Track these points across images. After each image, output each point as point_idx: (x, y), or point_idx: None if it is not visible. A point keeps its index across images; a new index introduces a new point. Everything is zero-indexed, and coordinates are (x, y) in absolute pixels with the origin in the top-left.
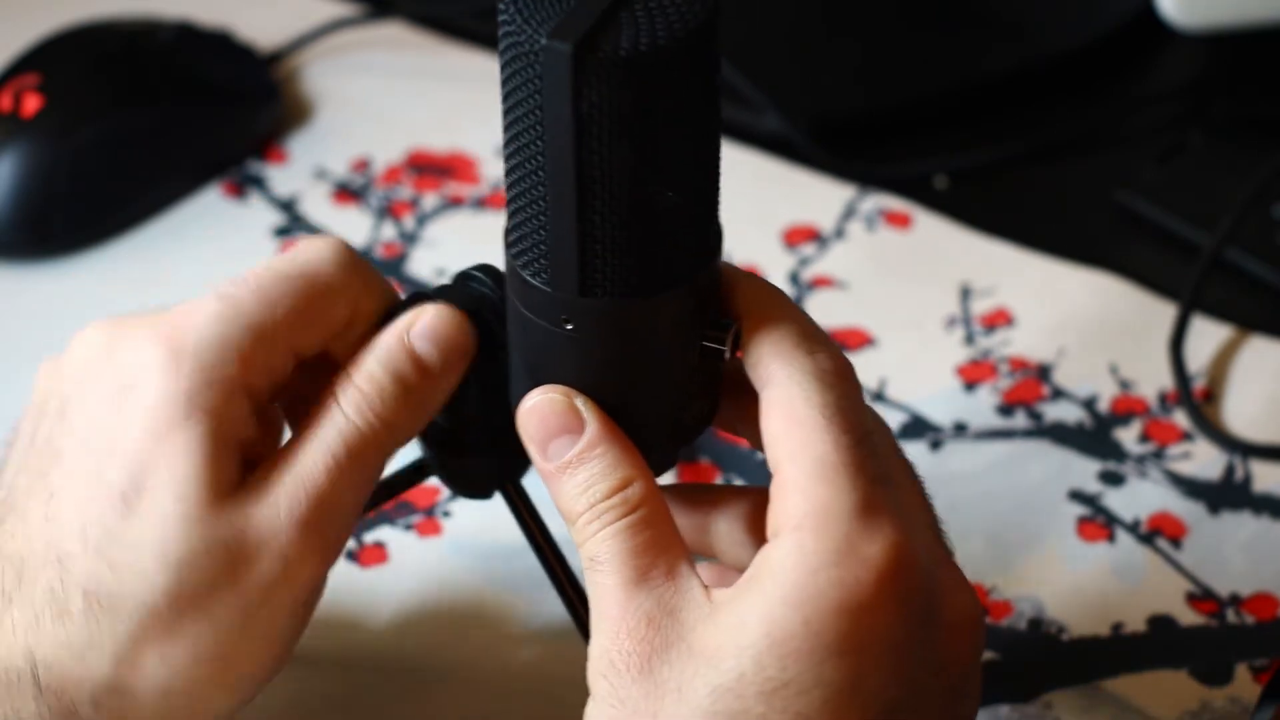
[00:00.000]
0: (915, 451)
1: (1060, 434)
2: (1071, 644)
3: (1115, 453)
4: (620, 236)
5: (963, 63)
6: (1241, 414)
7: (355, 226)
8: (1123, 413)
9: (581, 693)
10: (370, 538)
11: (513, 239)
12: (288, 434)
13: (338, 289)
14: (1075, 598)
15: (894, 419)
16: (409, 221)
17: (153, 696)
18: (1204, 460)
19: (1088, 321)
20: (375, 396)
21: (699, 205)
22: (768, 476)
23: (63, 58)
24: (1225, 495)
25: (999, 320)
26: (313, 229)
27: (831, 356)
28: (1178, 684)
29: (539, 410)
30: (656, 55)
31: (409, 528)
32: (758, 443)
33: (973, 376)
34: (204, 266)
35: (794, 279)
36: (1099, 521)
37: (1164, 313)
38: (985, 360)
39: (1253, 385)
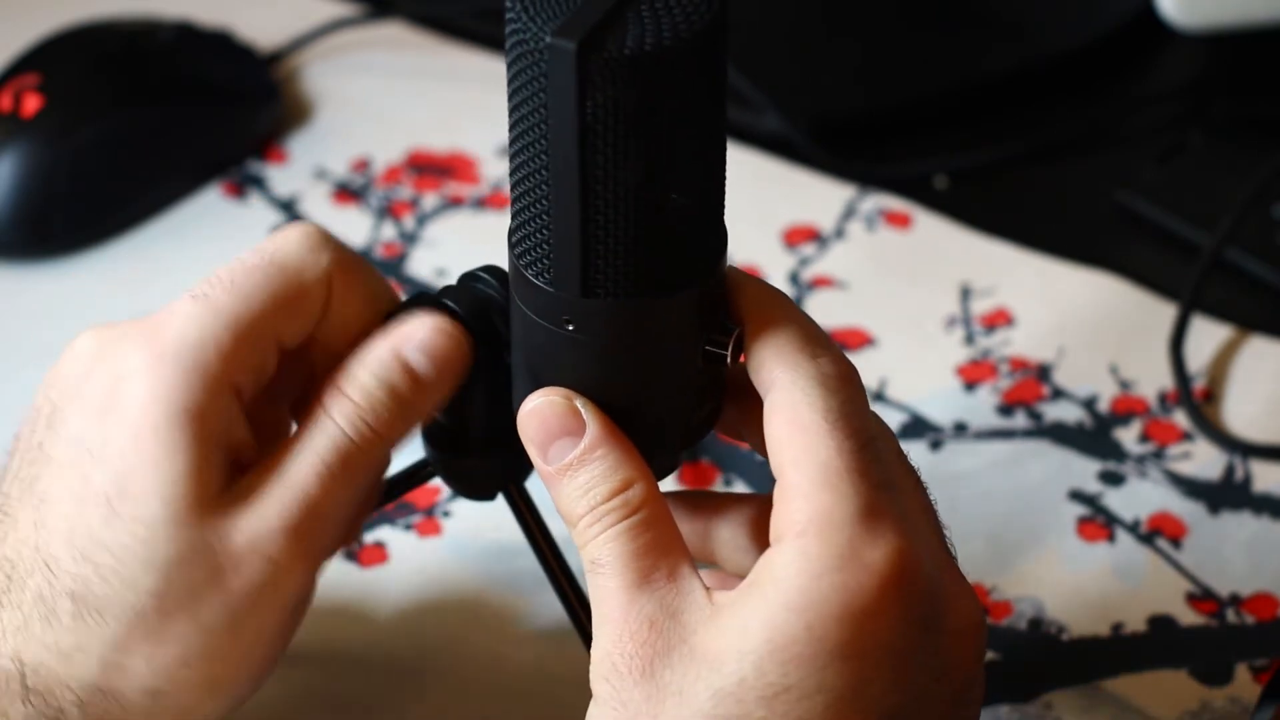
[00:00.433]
0: (915, 451)
1: (1060, 434)
2: (1071, 644)
3: (1115, 453)
4: (623, 238)
5: (963, 63)
6: (1241, 414)
7: (355, 226)
8: (1123, 413)
9: (582, 693)
10: (370, 538)
11: (516, 238)
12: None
13: (310, 274)
14: (1075, 598)
15: (894, 419)
16: (409, 221)
17: (140, 700)
18: (1204, 460)
19: (1088, 321)
20: (367, 407)
21: (703, 208)
22: (769, 478)
23: (63, 58)
24: (1225, 495)
25: (999, 320)
26: None
27: (835, 361)
28: (1178, 684)
29: (540, 412)
30: (661, 55)
31: (409, 528)
32: (762, 448)
33: (973, 376)
34: (204, 266)
35: (794, 279)
36: (1099, 521)
37: (1164, 313)
38: (985, 360)
39: (1253, 385)
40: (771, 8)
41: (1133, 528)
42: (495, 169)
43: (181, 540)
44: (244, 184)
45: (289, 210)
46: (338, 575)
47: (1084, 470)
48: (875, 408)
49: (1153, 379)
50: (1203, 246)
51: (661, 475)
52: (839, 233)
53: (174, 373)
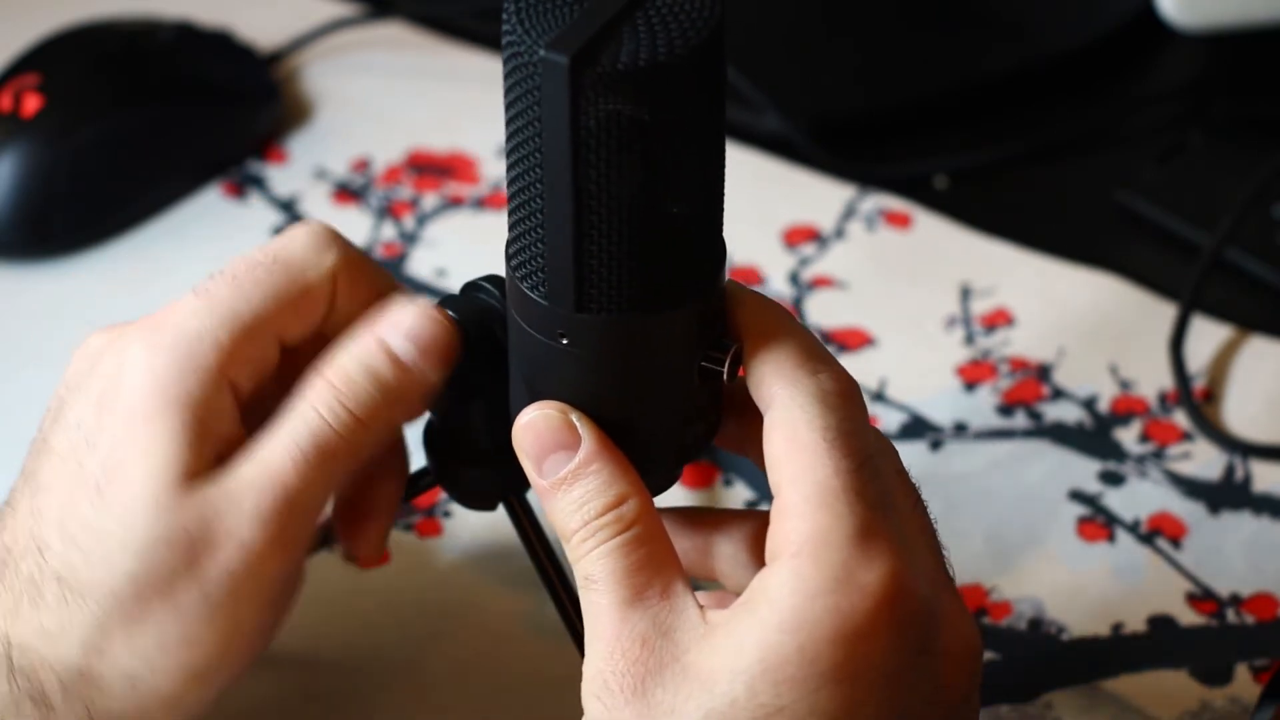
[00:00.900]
0: (915, 451)
1: (1060, 434)
2: (1071, 644)
3: (1115, 453)
4: (617, 253)
5: (963, 63)
6: (1241, 414)
7: (355, 226)
8: (1123, 413)
9: (580, 693)
10: None
11: (512, 250)
12: None
13: (314, 272)
14: (1075, 598)
15: (894, 419)
16: (409, 221)
17: (120, 684)
18: (1204, 460)
19: (1088, 321)
20: (348, 393)
21: (699, 223)
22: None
23: (63, 58)
24: (1225, 495)
25: (999, 320)
26: None
27: (835, 377)
28: (1178, 684)
29: (535, 425)
30: (656, 70)
31: (409, 528)
32: (763, 463)
33: (973, 376)
34: (204, 266)
35: (794, 279)
36: (1099, 521)
37: (1164, 313)
38: (985, 360)
39: (1253, 385)
40: (771, 8)
41: (1133, 528)
42: (495, 169)
43: (159, 524)
44: (244, 184)
45: (289, 210)
46: (338, 575)
47: (1084, 470)
48: (875, 408)
49: (1153, 379)
50: (1203, 246)
51: (658, 491)
52: (839, 233)
53: (168, 363)
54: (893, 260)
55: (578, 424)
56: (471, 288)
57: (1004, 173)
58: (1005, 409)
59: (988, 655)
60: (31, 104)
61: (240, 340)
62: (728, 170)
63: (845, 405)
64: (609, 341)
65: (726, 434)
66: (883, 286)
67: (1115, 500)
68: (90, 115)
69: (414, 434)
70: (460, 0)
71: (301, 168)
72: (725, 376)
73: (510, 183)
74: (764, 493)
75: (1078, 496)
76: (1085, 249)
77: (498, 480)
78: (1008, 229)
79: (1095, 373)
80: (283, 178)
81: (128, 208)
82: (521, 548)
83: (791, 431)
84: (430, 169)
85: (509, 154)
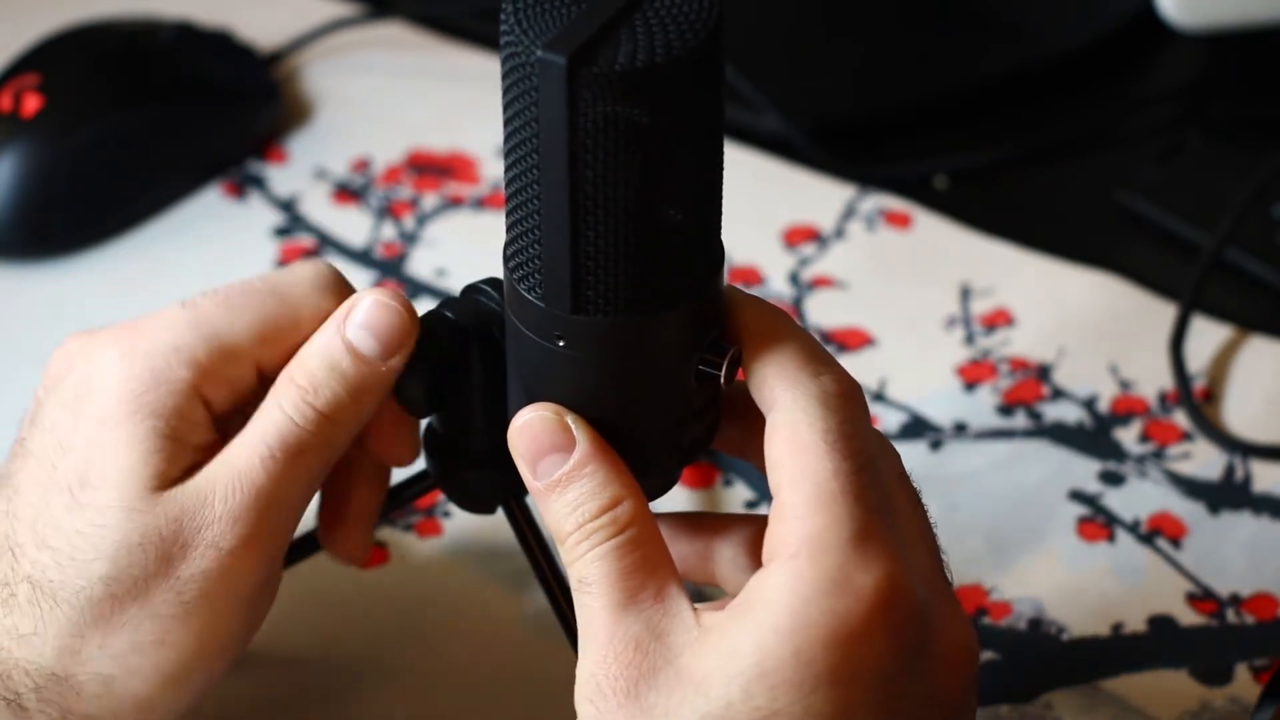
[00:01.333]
0: (915, 451)
1: (1060, 434)
2: (1071, 644)
3: (1115, 453)
4: (614, 255)
5: (962, 63)
6: (1241, 414)
7: (355, 226)
8: (1123, 413)
9: None
10: None
11: (510, 252)
12: None
13: (306, 311)
14: (1075, 598)
15: (894, 419)
16: (409, 221)
17: (94, 686)
18: (1204, 460)
19: (1088, 321)
20: (311, 390)
21: (696, 225)
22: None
23: (63, 58)
24: (1225, 495)
25: (999, 320)
26: (312, 229)
27: (836, 379)
28: (1178, 684)
29: (530, 427)
30: (654, 71)
31: (409, 528)
32: (764, 467)
33: (973, 376)
34: (204, 266)
35: (794, 279)
36: (1099, 521)
37: (1164, 313)
38: (985, 360)
39: (1253, 385)
40: (771, 8)
41: (1133, 528)
42: (495, 169)
43: (132, 528)
44: (244, 184)
45: (289, 210)
46: (338, 575)
47: (1084, 470)
48: (875, 408)
49: (1153, 379)
50: (1203, 246)
51: (657, 494)
52: (839, 233)
53: (140, 371)
54: (893, 260)
55: (573, 426)
56: (471, 290)
57: (1004, 173)
58: (1005, 409)
59: (987, 655)
60: (31, 104)
61: (217, 361)
62: (727, 170)
63: (847, 407)
64: (606, 344)
65: (727, 438)
66: (883, 286)
67: (1115, 500)
68: (90, 115)
69: None
70: (460, 0)
71: (301, 168)
72: (722, 380)
73: (508, 184)
74: (764, 494)
75: (1078, 496)
76: (1085, 249)
77: (497, 483)
78: (1008, 229)
79: (1095, 373)
80: (283, 178)
81: (128, 208)
82: (520, 548)
83: (792, 433)
84: (430, 169)
85: (506, 155)
